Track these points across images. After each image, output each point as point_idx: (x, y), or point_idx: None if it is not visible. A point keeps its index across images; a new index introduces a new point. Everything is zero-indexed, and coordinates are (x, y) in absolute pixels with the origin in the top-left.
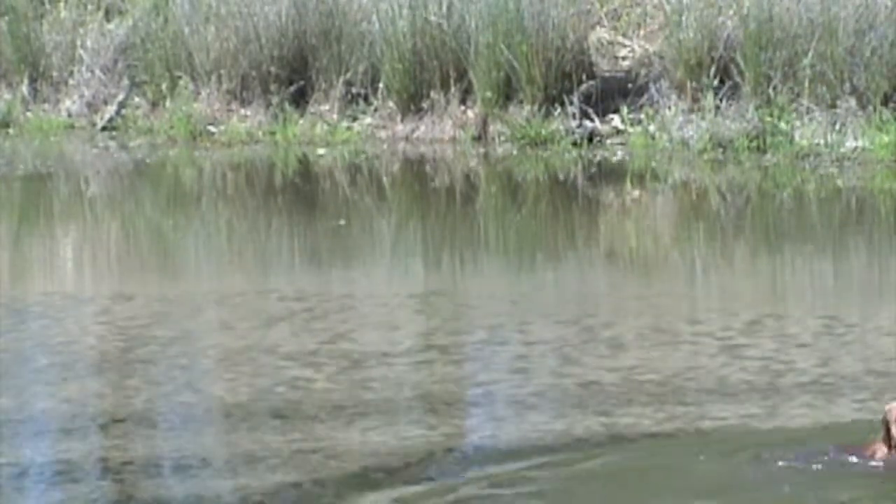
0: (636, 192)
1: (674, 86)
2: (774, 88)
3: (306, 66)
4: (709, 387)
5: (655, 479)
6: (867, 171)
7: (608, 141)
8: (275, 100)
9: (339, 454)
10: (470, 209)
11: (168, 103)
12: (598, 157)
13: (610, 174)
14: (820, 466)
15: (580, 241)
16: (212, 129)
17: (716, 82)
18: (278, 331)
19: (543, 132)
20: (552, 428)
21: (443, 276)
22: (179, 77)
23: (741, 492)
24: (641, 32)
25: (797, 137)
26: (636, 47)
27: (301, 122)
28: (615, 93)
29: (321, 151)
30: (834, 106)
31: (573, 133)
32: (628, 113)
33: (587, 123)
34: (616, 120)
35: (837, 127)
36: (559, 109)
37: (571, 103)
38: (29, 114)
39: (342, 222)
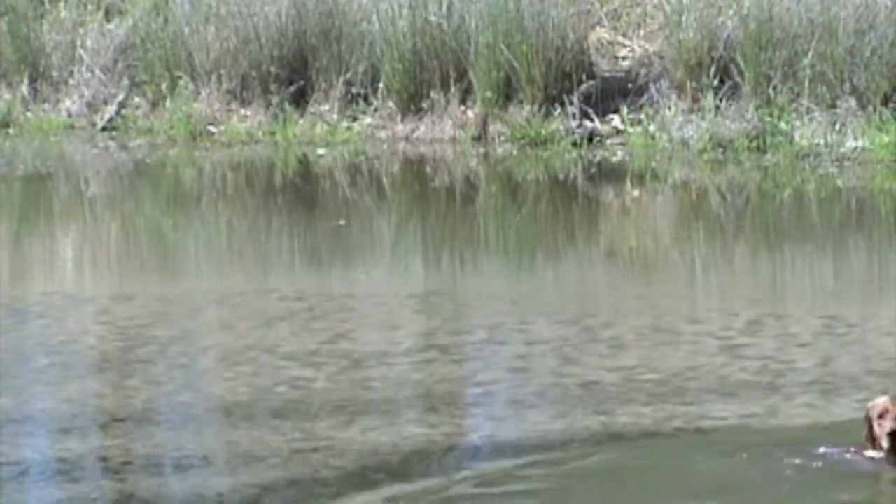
0: (636, 192)
1: (674, 86)
2: (774, 88)
3: (306, 66)
4: (709, 386)
5: (655, 479)
6: (867, 171)
7: (608, 141)
8: (275, 100)
9: (339, 453)
10: (470, 209)
11: (168, 103)
12: (598, 157)
13: (610, 174)
14: (820, 466)
15: (580, 240)
16: (212, 129)
17: (716, 82)
18: (278, 331)
19: (543, 132)
20: (552, 427)
21: (443, 276)
22: (179, 77)
23: (741, 492)
24: (641, 32)
25: (797, 137)
26: (636, 47)
27: (301, 122)
28: (615, 93)
29: (321, 151)
30: (834, 106)
31: (573, 133)
32: (628, 113)
33: (587, 123)
34: (616, 120)
35: (837, 127)
36: (559, 109)
37: (571, 103)
38: (29, 114)
39: (342, 222)
